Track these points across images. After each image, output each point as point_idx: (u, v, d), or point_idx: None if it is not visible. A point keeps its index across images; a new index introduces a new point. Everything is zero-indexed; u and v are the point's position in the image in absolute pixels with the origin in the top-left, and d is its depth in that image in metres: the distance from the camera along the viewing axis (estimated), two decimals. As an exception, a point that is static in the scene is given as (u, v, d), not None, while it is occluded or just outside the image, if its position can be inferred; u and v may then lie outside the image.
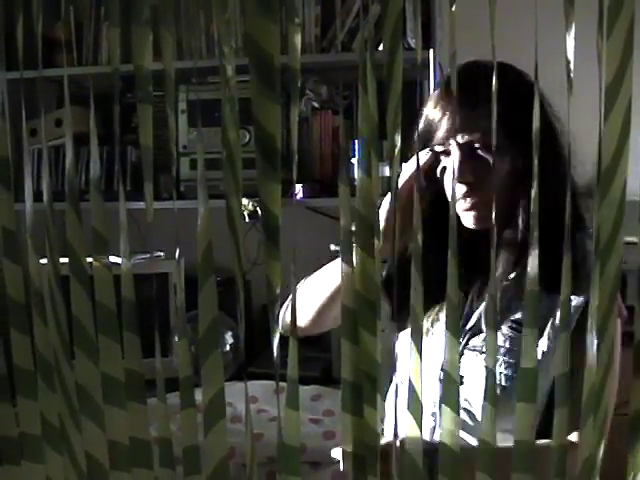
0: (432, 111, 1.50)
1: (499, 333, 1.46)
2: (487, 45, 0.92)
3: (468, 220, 1.49)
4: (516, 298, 1.47)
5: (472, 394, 1.48)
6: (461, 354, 1.50)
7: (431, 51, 2.72)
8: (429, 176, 1.52)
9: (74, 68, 2.95)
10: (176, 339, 2.83)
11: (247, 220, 2.73)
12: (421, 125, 1.50)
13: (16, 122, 1.19)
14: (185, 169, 2.97)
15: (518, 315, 1.46)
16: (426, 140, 1.50)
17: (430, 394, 1.51)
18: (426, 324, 1.56)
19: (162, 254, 2.98)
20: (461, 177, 1.44)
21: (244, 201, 2.73)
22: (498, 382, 1.43)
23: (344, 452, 0.95)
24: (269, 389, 2.49)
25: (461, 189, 1.46)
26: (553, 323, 1.43)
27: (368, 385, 1.00)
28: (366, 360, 1.03)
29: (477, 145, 1.44)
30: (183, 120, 2.97)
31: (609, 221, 0.78)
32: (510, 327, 1.47)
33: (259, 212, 3.07)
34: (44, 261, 1.18)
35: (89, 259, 1.09)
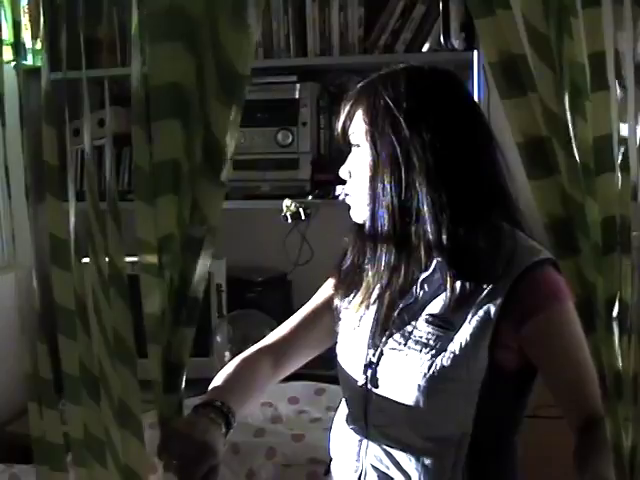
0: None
1: (418, 329, 1.43)
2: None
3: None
4: (438, 289, 1.44)
5: (390, 395, 1.44)
6: (380, 354, 1.47)
7: (475, 52, 2.70)
8: None
9: (115, 69, 2.99)
10: (218, 339, 2.83)
11: (289, 221, 2.71)
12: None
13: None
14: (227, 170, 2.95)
15: (434, 309, 1.43)
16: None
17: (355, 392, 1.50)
18: (355, 318, 1.53)
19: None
20: (340, 172, 1.56)
21: (287, 202, 2.71)
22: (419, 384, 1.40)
23: None
24: (310, 390, 2.48)
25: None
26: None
27: None
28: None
29: (353, 143, 1.52)
30: (225, 121, 2.96)
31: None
32: (427, 321, 1.43)
33: (301, 213, 3.03)
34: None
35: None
